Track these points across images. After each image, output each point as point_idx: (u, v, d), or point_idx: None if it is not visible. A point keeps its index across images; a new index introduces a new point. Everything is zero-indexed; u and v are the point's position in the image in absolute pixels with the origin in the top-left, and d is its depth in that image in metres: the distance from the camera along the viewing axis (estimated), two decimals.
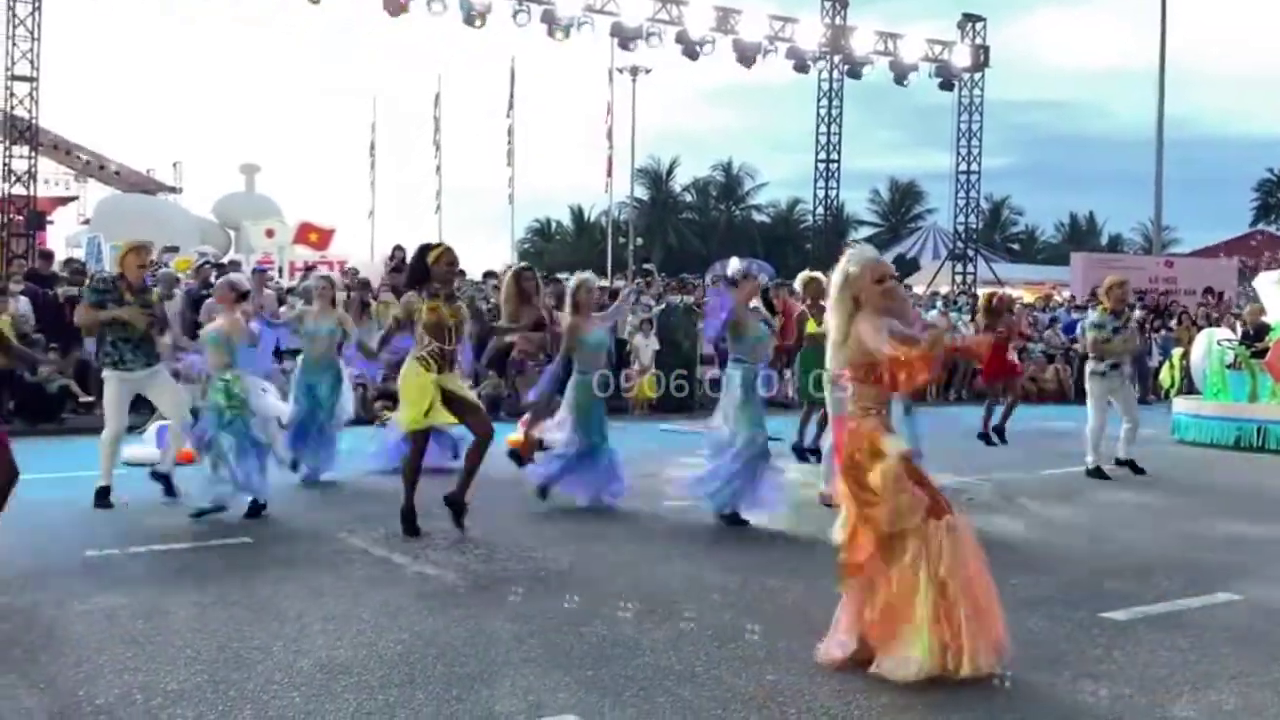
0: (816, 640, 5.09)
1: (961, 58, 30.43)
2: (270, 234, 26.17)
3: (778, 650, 5.13)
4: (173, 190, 37.15)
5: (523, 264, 10.64)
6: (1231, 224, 50.01)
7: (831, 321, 4.95)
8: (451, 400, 7.58)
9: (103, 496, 8.49)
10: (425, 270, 7.62)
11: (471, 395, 7.79)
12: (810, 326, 11.14)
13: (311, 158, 70.22)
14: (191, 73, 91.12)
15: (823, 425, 11.40)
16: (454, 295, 7.77)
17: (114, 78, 78.18)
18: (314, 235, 26.19)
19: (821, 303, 11.08)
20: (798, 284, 11.69)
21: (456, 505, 7.68)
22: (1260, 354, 13.69)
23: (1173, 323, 22.10)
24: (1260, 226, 48.86)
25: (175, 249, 20.38)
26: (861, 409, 4.88)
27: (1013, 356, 13.00)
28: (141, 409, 9.56)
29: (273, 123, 77.95)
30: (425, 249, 7.76)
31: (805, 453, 11.63)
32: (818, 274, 11.67)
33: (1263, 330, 14.24)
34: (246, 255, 23.20)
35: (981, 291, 20.68)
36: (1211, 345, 14.63)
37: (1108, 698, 4.63)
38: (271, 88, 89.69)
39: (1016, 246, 57.24)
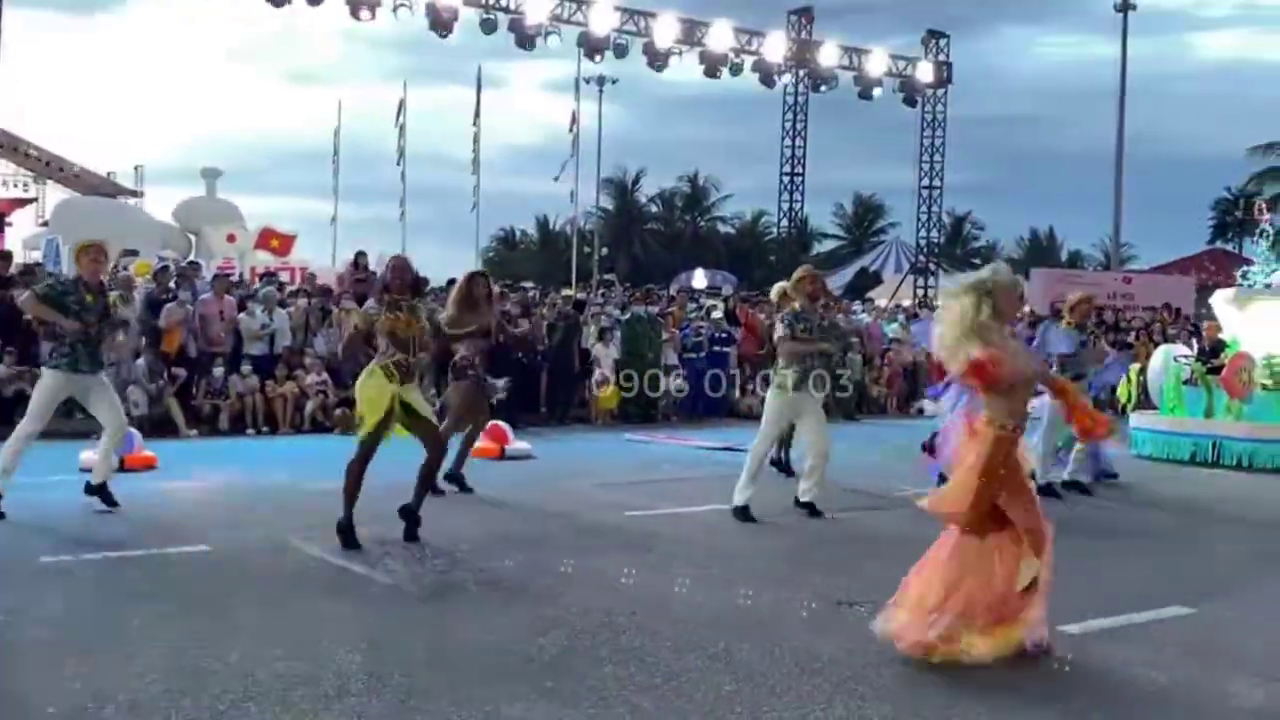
0: (778, 651, 5.14)
1: (925, 74, 30.76)
2: (231, 239, 25.95)
3: (736, 661, 5.14)
4: (133, 194, 36.81)
5: (477, 269, 10.53)
6: (1189, 242, 50.56)
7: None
8: (408, 412, 7.57)
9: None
10: (385, 282, 7.67)
11: (428, 410, 7.73)
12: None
13: (274, 163, 69.72)
14: (154, 77, 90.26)
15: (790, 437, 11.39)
16: (413, 306, 7.69)
17: (76, 80, 77.42)
18: (275, 241, 25.98)
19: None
20: (773, 295, 11.59)
21: (410, 517, 7.69)
22: (1216, 370, 13.87)
23: (1130, 338, 22.34)
24: (1217, 244, 49.49)
25: (135, 253, 20.17)
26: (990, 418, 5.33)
27: None
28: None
29: (235, 127, 77.43)
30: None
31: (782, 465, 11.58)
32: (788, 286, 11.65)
33: (1219, 347, 14.43)
34: (207, 260, 22.97)
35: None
36: (1168, 361, 14.80)
37: (1062, 712, 4.68)
38: (235, 93, 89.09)
39: (978, 261, 57.49)
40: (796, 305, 9.18)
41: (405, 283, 7.68)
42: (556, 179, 32.16)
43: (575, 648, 5.32)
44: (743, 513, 8.82)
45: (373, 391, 7.46)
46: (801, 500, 9.09)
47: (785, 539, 8.25)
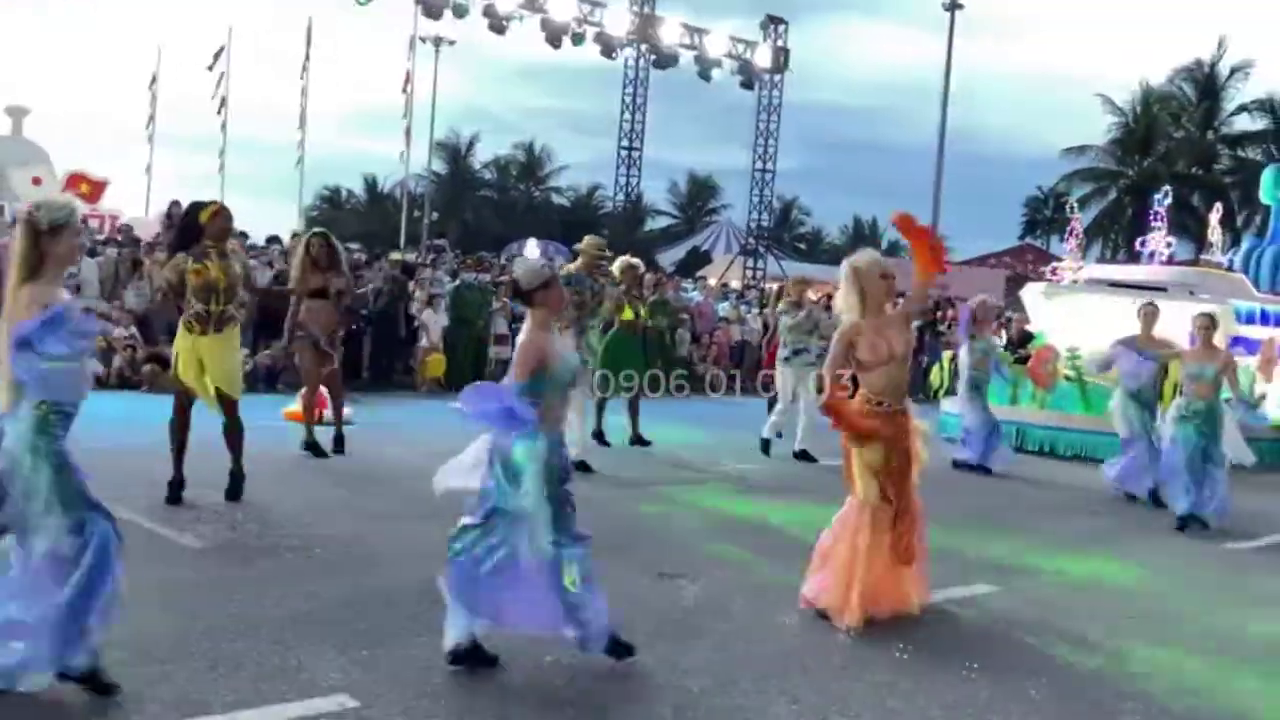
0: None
1: (763, 58, 31.14)
2: (37, 182, 24.40)
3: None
4: None
5: (316, 229, 10.28)
6: (1002, 236, 52.99)
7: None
8: (201, 369, 7.32)
9: None
10: (198, 229, 7.34)
11: (221, 370, 7.39)
12: (626, 313, 11.04)
13: (86, 105, 65.89)
14: None
15: (634, 412, 11.38)
16: (226, 254, 7.44)
17: None
18: (85, 186, 24.61)
19: (636, 290, 11.13)
20: (615, 269, 11.47)
21: (232, 477, 7.52)
22: (1023, 360, 14.52)
23: (943, 327, 23.19)
24: (1028, 240, 51.91)
25: None
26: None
27: None
28: None
29: (45, 64, 72.95)
30: (197, 206, 7.56)
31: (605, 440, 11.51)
32: (635, 260, 11.68)
33: (1026, 338, 15.10)
34: (9, 203, 21.62)
35: (773, 284, 21.21)
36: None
37: (868, 685, 4.80)
38: (45, 25, 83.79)
39: (803, 245, 59.08)
40: (572, 268, 9.90)
41: (226, 231, 7.45)
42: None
43: (393, 617, 5.21)
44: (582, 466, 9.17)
45: (176, 345, 7.48)
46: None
47: (610, 512, 8.24)
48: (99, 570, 4.00)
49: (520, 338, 4.75)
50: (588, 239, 10.36)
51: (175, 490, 7.35)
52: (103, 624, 4.02)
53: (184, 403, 7.44)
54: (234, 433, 7.52)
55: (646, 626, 5.27)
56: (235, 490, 7.49)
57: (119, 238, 16.62)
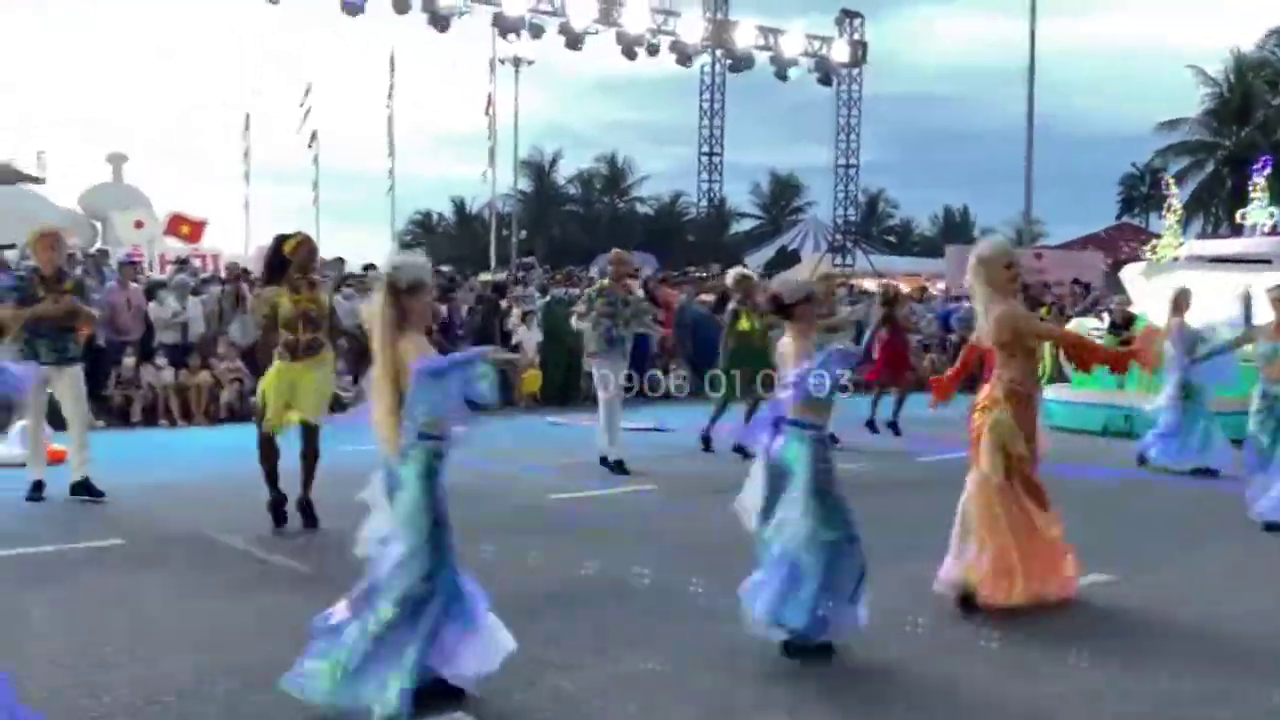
0: (705, 635, 5.15)
1: (840, 53, 30.97)
2: (139, 225, 25.26)
3: (656, 638, 5.13)
4: (35, 180, 35.65)
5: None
6: (1098, 218, 51.69)
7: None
8: (299, 391, 7.47)
9: (36, 490, 8.39)
10: (283, 261, 7.50)
11: (311, 397, 7.52)
12: (743, 324, 11.36)
13: (182, 147, 67.80)
14: (55, 58, 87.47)
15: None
16: (314, 283, 7.65)
17: None
18: (185, 227, 25.38)
19: (753, 299, 11.31)
20: (729, 281, 11.86)
21: (303, 505, 7.55)
22: (1128, 343, 14.14)
23: (1042, 311, 22.71)
24: (1125, 219, 50.58)
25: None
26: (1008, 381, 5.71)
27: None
28: None
29: (142, 111, 75.33)
30: (281, 239, 7.68)
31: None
32: (748, 271, 11.95)
33: (1129, 320, 14.74)
34: (114, 247, 22.38)
35: (875, 284, 21.01)
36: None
37: (983, 678, 4.75)
38: (140, 74, 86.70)
39: (893, 239, 58.38)
40: (605, 282, 10.34)
41: (311, 261, 7.60)
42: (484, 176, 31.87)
43: None
44: (606, 463, 10.18)
45: (269, 382, 7.56)
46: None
47: (708, 520, 8.24)
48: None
49: (788, 346, 5.11)
50: (613, 253, 10.82)
51: (277, 510, 7.51)
52: None
53: (267, 435, 7.53)
54: (310, 459, 7.57)
55: (727, 641, 5.28)
56: (310, 518, 7.52)
57: (223, 275, 17.08)
